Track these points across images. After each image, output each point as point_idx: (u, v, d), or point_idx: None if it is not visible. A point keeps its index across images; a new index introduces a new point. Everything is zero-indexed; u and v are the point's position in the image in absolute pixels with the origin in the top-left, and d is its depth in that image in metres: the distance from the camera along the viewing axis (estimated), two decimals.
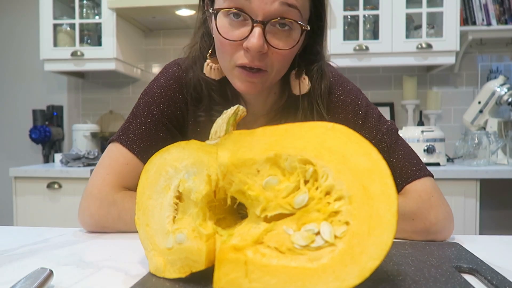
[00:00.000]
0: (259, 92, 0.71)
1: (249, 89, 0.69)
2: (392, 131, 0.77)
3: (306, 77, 0.75)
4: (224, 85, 0.77)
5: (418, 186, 0.71)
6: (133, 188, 0.76)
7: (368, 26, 2.26)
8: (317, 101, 0.76)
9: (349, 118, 0.78)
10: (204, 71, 0.75)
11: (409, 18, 2.24)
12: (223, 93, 0.77)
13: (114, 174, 0.74)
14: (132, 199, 0.71)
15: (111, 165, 0.75)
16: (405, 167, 0.73)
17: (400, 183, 0.73)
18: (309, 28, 0.68)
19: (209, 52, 0.75)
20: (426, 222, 0.68)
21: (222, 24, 0.66)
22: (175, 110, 0.79)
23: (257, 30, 0.63)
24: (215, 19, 0.67)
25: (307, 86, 0.75)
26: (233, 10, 0.64)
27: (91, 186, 0.74)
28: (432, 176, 0.74)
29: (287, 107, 0.78)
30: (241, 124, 0.76)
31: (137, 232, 0.70)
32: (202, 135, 0.78)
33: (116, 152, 0.76)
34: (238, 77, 0.68)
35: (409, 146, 0.78)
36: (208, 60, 0.75)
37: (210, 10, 0.68)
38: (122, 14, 2.32)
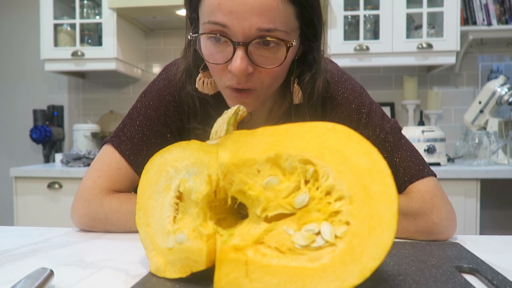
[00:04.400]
0: (253, 109, 0.69)
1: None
2: (396, 130, 0.76)
3: (298, 87, 0.72)
4: (220, 99, 0.73)
5: (421, 186, 0.71)
6: (123, 191, 0.77)
7: (369, 26, 2.26)
8: (307, 113, 0.73)
9: (353, 116, 0.76)
10: (197, 86, 0.72)
11: (410, 18, 2.24)
12: (219, 107, 0.73)
13: (105, 177, 0.75)
14: (118, 201, 0.72)
15: (103, 168, 0.76)
16: (408, 167, 0.73)
17: (403, 183, 0.72)
18: (294, 43, 0.63)
19: (201, 66, 0.72)
20: (428, 221, 0.68)
21: (205, 47, 0.64)
22: (173, 115, 0.78)
23: (239, 53, 0.60)
24: (200, 42, 0.65)
25: (299, 97, 0.72)
26: (212, 34, 0.61)
27: (82, 187, 0.75)
28: (435, 175, 0.74)
29: (288, 114, 0.76)
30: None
31: (128, 232, 0.71)
32: None
33: (109, 155, 0.76)
34: (229, 97, 0.67)
35: (412, 145, 0.77)
36: (200, 75, 0.72)
37: (189, 37, 0.67)
38: (123, 14, 2.32)
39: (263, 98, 0.69)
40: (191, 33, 0.66)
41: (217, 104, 0.74)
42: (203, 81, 0.72)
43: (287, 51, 0.63)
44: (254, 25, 0.59)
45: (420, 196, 0.70)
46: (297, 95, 0.72)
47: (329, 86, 0.76)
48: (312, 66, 0.71)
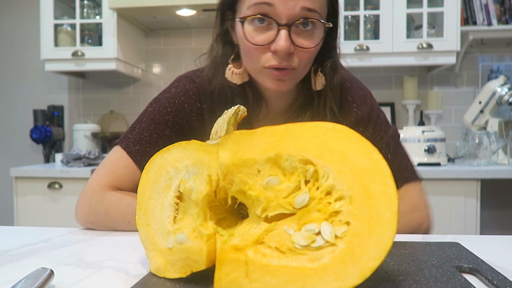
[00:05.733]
0: (289, 89, 0.75)
1: (279, 87, 0.73)
2: (396, 135, 0.84)
3: (321, 74, 0.78)
4: (246, 89, 0.79)
5: (409, 188, 0.80)
6: (128, 190, 0.79)
7: (369, 26, 2.26)
8: (330, 95, 0.79)
9: (364, 118, 0.81)
10: (226, 76, 0.77)
11: (410, 18, 2.24)
12: (244, 97, 0.79)
13: (111, 175, 0.78)
14: (120, 196, 0.75)
15: (109, 166, 0.79)
16: (401, 170, 0.81)
17: (397, 183, 0.80)
18: (331, 25, 0.72)
19: (231, 58, 0.78)
20: (417, 219, 0.78)
21: (248, 31, 0.70)
22: (181, 121, 0.81)
23: (283, 32, 0.67)
24: (242, 27, 0.70)
25: (322, 83, 0.78)
26: (259, 15, 0.68)
27: (88, 185, 0.78)
28: (422, 180, 0.83)
29: (304, 105, 0.81)
30: (260, 122, 0.81)
31: (127, 230, 0.72)
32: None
33: (117, 155, 0.79)
34: (268, 77, 0.72)
35: (406, 150, 0.85)
36: (230, 65, 0.77)
37: (237, 19, 0.72)
38: (123, 14, 2.32)
39: (297, 80, 0.75)
40: (239, 18, 0.71)
41: (243, 93, 0.79)
42: (232, 71, 0.77)
43: (324, 32, 0.72)
44: (299, 3, 0.66)
45: (411, 196, 0.79)
46: (320, 81, 0.78)
47: (342, 92, 0.82)
48: (332, 53, 0.78)
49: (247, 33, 0.70)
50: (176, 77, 0.86)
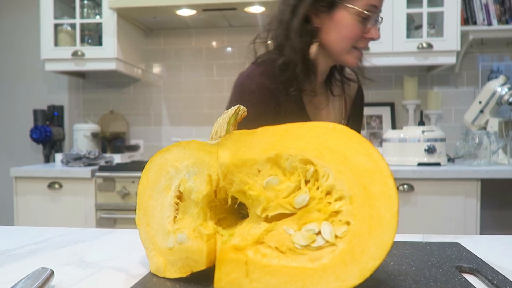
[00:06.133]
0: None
1: (357, 63, 1.01)
2: None
3: None
4: (311, 65, 1.00)
5: None
6: None
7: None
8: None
9: (361, 91, 1.23)
10: (310, 52, 0.98)
11: (410, 18, 2.24)
12: (309, 71, 0.99)
13: None
14: None
15: None
16: None
17: None
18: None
19: (314, 38, 0.98)
20: None
21: (357, 20, 0.94)
22: (268, 112, 0.97)
23: (377, 26, 0.96)
24: (353, 17, 0.93)
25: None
26: (371, 12, 0.94)
27: None
28: None
29: (327, 79, 1.10)
30: (308, 95, 1.02)
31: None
32: (299, 111, 1.02)
33: None
34: (354, 55, 0.99)
35: None
36: (313, 45, 0.98)
37: (361, 9, 0.93)
38: (123, 14, 2.32)
39: None
40: (359, 9, 0.93)
41: (309, 68, 0.99)
42: (312, 50, 0.98)
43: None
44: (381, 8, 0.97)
45: None
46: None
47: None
48: None
49: (356, 22, 0.94)
50: (238, 83, 0.99)
